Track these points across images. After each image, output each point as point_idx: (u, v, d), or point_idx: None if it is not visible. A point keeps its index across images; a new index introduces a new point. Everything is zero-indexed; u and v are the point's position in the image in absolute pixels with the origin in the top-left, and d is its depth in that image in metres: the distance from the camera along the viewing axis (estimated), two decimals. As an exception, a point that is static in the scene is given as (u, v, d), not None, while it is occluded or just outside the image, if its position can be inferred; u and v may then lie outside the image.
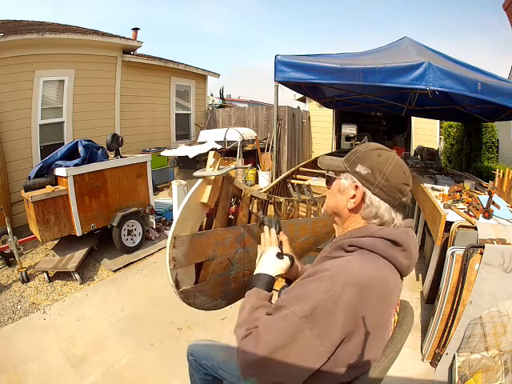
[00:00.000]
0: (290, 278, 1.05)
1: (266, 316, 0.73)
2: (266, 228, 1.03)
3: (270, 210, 1.81)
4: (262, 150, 7.04)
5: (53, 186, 3.07)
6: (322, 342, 0.64)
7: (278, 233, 1.03)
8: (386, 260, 0.74)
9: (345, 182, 0.82)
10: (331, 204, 0.87)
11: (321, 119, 8.47)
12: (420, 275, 2.82)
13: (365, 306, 0.67)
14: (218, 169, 1.08)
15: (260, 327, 0.69)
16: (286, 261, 0.93)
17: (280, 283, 1.03)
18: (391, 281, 0.74)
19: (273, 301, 0.91)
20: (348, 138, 8.07)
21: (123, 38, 5.70)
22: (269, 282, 0.86)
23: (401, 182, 0.78)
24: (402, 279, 0.79)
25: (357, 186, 0.79)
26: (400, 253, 0.76)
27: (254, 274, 0.90)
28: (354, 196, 0.79)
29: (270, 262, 0.91)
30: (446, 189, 2.62)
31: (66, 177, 2.98)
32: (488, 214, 2.01)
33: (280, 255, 0.93)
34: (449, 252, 1.85)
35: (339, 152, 6.05)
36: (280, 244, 1.01)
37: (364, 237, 0.76)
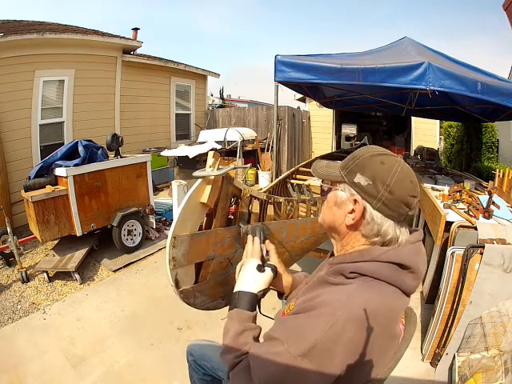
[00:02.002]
0: (277, 289, 0.98)
1: (256, 346, 0.70)
2: (249, 237, 0.95)
3: (270, 209, 1.81)
4: (262, 150, 7.04)
5: (53, 186, 3.07)
6: (320, 376, 0.60)
7: (263, 241, 0.95)
8: (392, 286, 0.67)
9: (342, 195, 0.72)
10: (327, 218, 0.76)
11: (321, 119, 8.47)
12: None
13: (368, 340, 0.61)
14: (218, 169, 1.08)
15: (251, 361, 0.66)
16: (268, 273, 0.84)
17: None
18: (397, 308, 0.69)
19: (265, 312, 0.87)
20: (348, 138, 8.06)
21: (123, 37, 5.71)
22: (251, 301, 0.79)
23: (407, 193, 0.67)
24: (409, 296, 0.72)
25: (356, 200, 0.69)
26: (407, 276, 0.68)
27: (234, 291, 0.82)
28: (353, 211, 0.69)
29: (250, 276, 0.83)
30: (446, 189, 2.62)
31: (66, 177, 2.98)
32: (488, 213, 2.01)
33: (261, 267, 0.84)
34: (449, 252, 1.85)
35: (339, 152, 6.04)
36: (266, 253, 0.94)
37: (367, 261, 0.67)
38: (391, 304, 0.67)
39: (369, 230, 0.69)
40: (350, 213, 0.70)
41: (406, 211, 0.68)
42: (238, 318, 0.77)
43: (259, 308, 0.85)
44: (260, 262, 0.87)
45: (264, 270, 0.84)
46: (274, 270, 0.86)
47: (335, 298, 0.64)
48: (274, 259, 0.94)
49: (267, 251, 0.95)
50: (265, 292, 0.84)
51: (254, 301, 0.80)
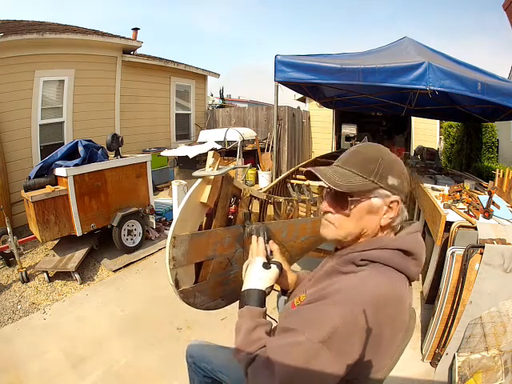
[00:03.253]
0: (281, 286, 1.00)
1: (273, 339, 0.71)
2: (253, 237, 0.98)
3: (270, 209, 1.81)
4: (262, 150, 7.04)
5: (53, 185, 3.07)
6: (340, 364, 0.62)
7: (267, 242, 0.97)
8: (400, 272, 0.71)
9: (377, 201, 0.73)
10: (356, 230, 0.74)
11: (321, 119, 8.47)
12: (420, 275, 2.81)
13: (382, 325, 0.64)
14: (218, 168, 1.08)
15: (271, 354, 0.66)
16: (274, 270, 0.87)
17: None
18: (405, 293, 0.72)
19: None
20: (348, 138, 8.06)
21: (123, 38, 5.71)
22: (259, 297, 0.81)
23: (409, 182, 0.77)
24: (411, 284, 0.75)
25: (396, 202, 0.73)
26: (412, 262, 0.72)
27: (243, 289, 0.84)
28: (387, 211, 0.73)
29: (256, 274, 0.85)
30: (446, 189, 2.61)
31: (66, 177, 2.98)
32: (488, 213, 2.01)
33: (267, 265, 0.87)
34: (449, 252, 1.85)
35: (339, 152, 6.04)
36: (270, 253, 0.96)
37: (376, 249, 0.71)
38: (400, 288, 0.70)
39: (398, 222, 0.75)
40: (385, 213, 0.74)
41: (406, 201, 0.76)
42: (249, 314, 0.78)
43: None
44: (265, 260, 0.89)
45: (270, 267, 0.86)
46: (280, 266, 0.89)
47: (350, 285, 0.67)
48: (277, 258, 0.95)
49: (271, 251, 0.97)
50: (271, 289, 0.86)
51: (263, 297, 0.82)
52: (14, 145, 4.22)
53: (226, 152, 6.16)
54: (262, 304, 0.81)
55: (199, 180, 1.07)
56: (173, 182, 4.15)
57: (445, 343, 1.82)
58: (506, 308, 1.69)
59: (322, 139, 8.58)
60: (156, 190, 5.72)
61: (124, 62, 5.80)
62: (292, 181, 3.77)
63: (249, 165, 6.34)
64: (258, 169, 6.77)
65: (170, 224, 1.03)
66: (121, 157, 3.64)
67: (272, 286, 0.85)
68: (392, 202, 0.73)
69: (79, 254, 3.16)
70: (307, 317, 0.67)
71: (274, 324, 0.85)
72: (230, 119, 7.83)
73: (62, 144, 4.38)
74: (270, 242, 0.99)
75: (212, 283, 1.19)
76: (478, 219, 1.99)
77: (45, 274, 2.99)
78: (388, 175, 0.72)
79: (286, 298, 0.99)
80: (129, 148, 5.29)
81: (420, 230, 0.79)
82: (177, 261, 1.03)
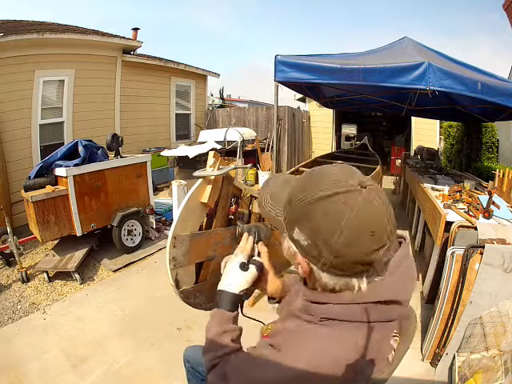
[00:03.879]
0: (262, 291, 0.94)
1: (238, 356, 0.70)
2: (244, 235, 0.92)
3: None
4: (262, 150, 7.04)
5: (53, 185, 3.07)
6: None
7: (256, 242, 0.92)
8: (373, 322, 0.57)
9: (287, 245, 0.60)
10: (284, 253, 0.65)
11: (321, 119, 8.48)
12: (420, 275, 2.82)
13: None
14: (218, 169, 1.08)
15: (229, 370, 0.66)
16: (252, 272, 0.80)
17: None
18: (377, 345, 0.58)
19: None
20: (348, 138, 8.08)
21: (123, 37, 5.71)
22: (232, 301, 0.76)
23: (363, 251, 0.51)
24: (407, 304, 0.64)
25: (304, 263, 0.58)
26: (392, 308, 0.58)
27: (218, 288, 0.80)
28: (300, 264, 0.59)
29: (232, 275, 0.80)
30: (446, 189, 2.62)
31: (66, 177, 2.98)
32: (488, 214, 2.01)
33: (245, 265, 0.81)
34: (449, 252, 1.85)
35: (339, 152, 6.04)
36: (258, 255, 0.89)
37: (341, 304, 0.56)
38: (368, 344, 0.57)
39: (323, 285, 0.57)
40: (298, 264, 0.59)
41: (365, 269, 0.54)
42: (218, 318, 0.76)
43: (241, 308, 0.83)
44: (245, 260, 0.84)
45: (247, 269, 0.81)
46: (259, 267, 0.83)
47: (302, 345, 0.57)
48: (265, 261, 0.90)
49: (259, 252, 0.91)
50: (248, 292, 0.81)
51: (236, 300, 0.78)
52: (14, 145, 4.22)
53: (226, 152, 6.16)
54: (234, 308, 0.77)
55: (200, 180, 1.07)
56: (173, 182, 4.15)
57: (445, 343, 1.82)
58: (506, 308, 1.69)
59: (322, 139, 8.60)
60: (156, 190, 5.72)
61: (124, 62, 5.81)
62: (292, 181, 3.77)
63: (249, 165, 6.33)
64: (258, 169, 6.77)
65: (170, 224, 1.03)
66: (121, 157, 3.64)
67: (248, 288, 0.81)
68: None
69: (79, 253, 3.16)
70: (261, 355, 0.62)
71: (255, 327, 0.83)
72: (230, 119, 7.83)
73: (62, 144, 4.38)
74: (260, 243, 0.93)
75: (212, 283, 1.20)
76: (477, 219, 1.99)
77: (45, 274, 2.99)
78: (295, 226, 0.55)
79: (276, 305, 0.94)
80: (129, 148, 5.30)
81: (408, 251, 0.64)
82: (177, 261, 1.03)
